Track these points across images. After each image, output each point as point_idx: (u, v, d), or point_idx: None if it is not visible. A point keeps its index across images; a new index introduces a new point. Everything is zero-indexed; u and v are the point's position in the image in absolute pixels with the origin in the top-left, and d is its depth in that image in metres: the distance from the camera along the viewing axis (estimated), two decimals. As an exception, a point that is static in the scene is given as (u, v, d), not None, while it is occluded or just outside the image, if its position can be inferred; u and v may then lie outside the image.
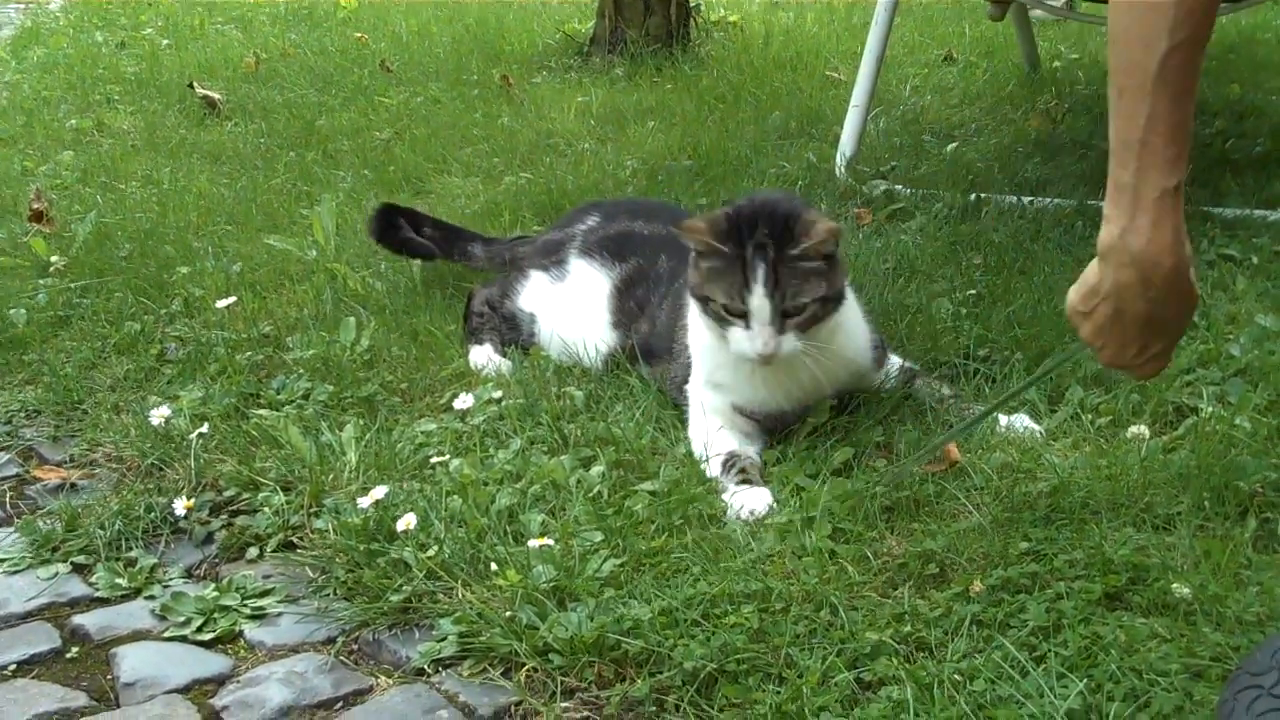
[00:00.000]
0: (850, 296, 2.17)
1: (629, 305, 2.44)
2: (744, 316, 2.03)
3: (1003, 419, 2.07)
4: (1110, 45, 1.51)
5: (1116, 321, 1.59)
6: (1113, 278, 1.56)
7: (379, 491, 1.96)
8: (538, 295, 2.60)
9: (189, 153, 4.44)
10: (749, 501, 1.92)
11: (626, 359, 2.42)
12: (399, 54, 5.93)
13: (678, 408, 2.25)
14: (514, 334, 2.61)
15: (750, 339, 2.03)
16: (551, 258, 2.63)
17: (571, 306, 2.52)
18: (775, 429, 2.16)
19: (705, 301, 2.09)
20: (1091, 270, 1.60)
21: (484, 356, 2.53)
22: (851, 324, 2.17)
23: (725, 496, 1.96)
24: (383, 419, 2.30)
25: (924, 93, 4.58)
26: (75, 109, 5.20)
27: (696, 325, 2.18)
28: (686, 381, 2.23)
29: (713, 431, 2.11)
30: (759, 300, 2.01)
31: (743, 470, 2.00)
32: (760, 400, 2.14)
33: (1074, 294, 1.63)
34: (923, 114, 4.34)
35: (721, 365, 2.15)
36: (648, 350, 2.38)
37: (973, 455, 2.00)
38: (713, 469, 2.04)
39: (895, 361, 2.25)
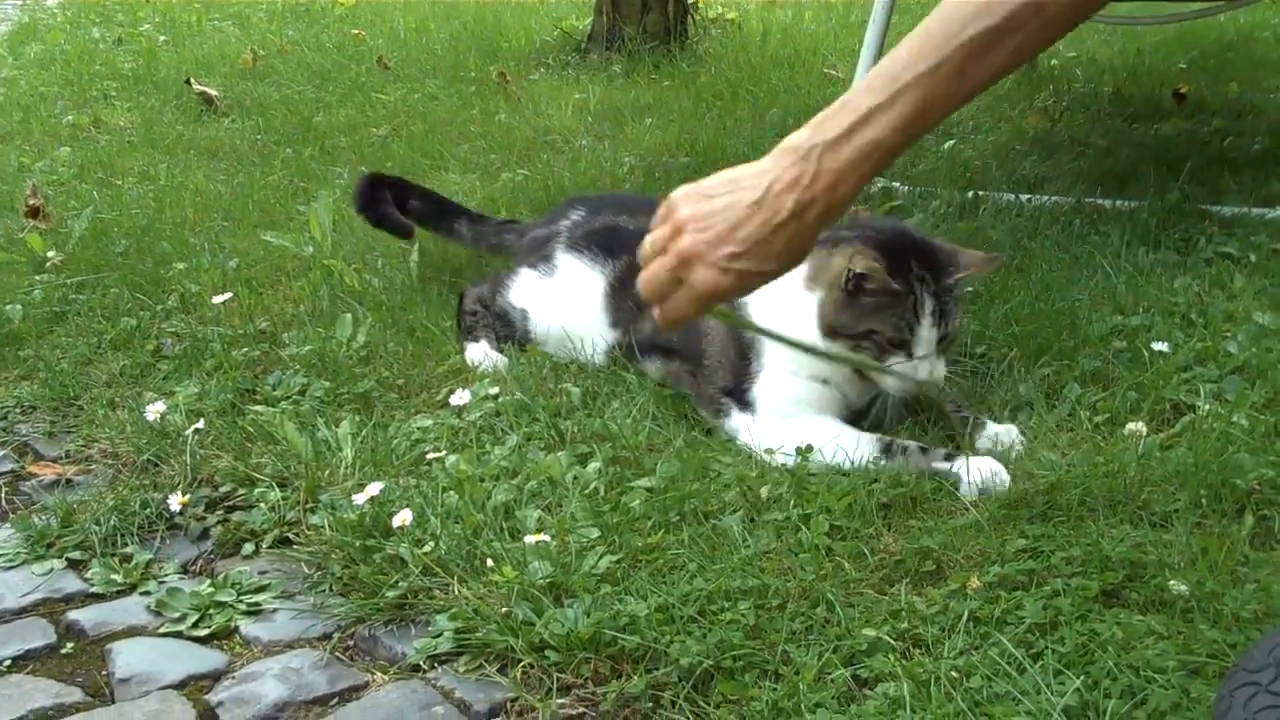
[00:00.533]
0: None
1: (626, 304, 2.44)
2: (905, 346, 2.08)
3: (991, 428, 2.06)
4: None
5: (725, 214, 1.44)
6: (777, 175, 1.43)
7: (375, 487, 1.96)
8: (528, 291, 2.60)
9: (186, 149, 4.44)
10: (984, 467, 1.93)
11: (624, 355, 2.42)
12: (396, 50, 5.93)
13: (677, 404, 2.24)
14: (507, 330, 2.61)
15: (916, 367, 2.08)
16: (539, 253, 2.63)
17: (563, 302, 2.52)
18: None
19: (864, 336, 2.09)
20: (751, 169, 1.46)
21: (480, 353, 2.53)
22: None
23: (949, 467, 1.96)
24: (379, 415, 2.30)
25: (922, 90, 4.57)
26: (72, 105, 5.20)
27: (794, 381, 2.18)
28: (728, 390, 2.22)
29: (819, 425, 2.13)
30: (927, 330, 2.08)
31: (906, 444, 2.03)
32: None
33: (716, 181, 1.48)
34: (920, 112, 4.33)
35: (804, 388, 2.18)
36: (653, 347, 2.37)
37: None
38: (869, 452, 2.03)
39: None
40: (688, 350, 2.29)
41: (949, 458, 1.97)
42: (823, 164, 1.42)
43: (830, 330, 2.11)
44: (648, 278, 1.48)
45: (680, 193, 1.48)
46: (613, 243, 2.52)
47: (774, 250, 1.44)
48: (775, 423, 2.14)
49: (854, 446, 2.03)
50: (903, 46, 1.41)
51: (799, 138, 1.43)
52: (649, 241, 1.48)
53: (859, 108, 1.41)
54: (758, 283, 1.47)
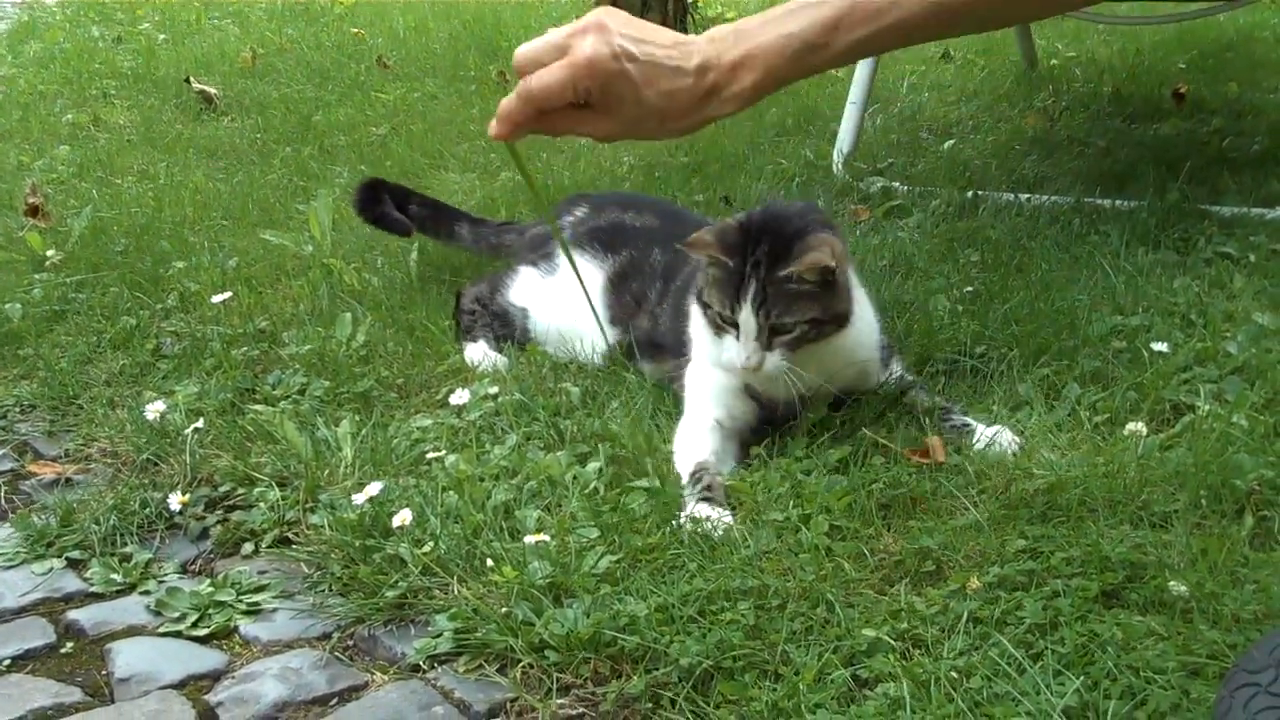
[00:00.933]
0: (861, 297, 2.17)
1: (625, 299, 2.44)
2: (736, 327, 2.05)
3: (986, 431, 2.04)
4: None
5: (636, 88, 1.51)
6: (701, 45, 1.53)
7: (375, 487, 1.96)
8: (529, 290, 2.60)
9: (185, 148, 4.44)
10: (707, 513, 1.87)
11: (624, 354, 2.41)
12: (396, 50, 5.93)
13: (679, 404, 2.24)
14: (506, 330, 2.61)
15: (736, 351, 2.06)
16: (540, 251, 2.63)
17: (565, 300, 2.51)
18: (775, 413, 2.15)
19: (705, 307, 2.11)
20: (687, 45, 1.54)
21: (479, 353, 2.53)
22: (861, 325, 2.15)
23: (685, 509, 1.91)
24: (378, 414, 2.30)
25: (921, 90, 4.58)
26: (71, 104, 5.20)
27: (698, 317, 2.19)
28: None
29: (695, 430, 2.10)
30: (746, 315, 2.03)
31: (708, 488, 1.95)
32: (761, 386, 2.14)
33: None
34: (920, 111, 4.34)
35: (711, 380, 2.17)
36: (648, 345, 2.38)
37: (968, 453, 1.99)
38: (681, 475, 2.02)
39: (897, 369, 2.23)
40: (675, 348, 2.30)
41: (704, 500, 1.91)
42: (733, 42, 1.52)
43: (695, 295, 2.15)
44: (531, 43, 1.54)
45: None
46: (616, 240, 2.52)
47: (660, 84, 1.51)
48: (685, 414, 2.16)
49: (684, 454, 2.04)
50: None
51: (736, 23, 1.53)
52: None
53: (789, 6, 1.49)
54: (624, 96, 1.51)
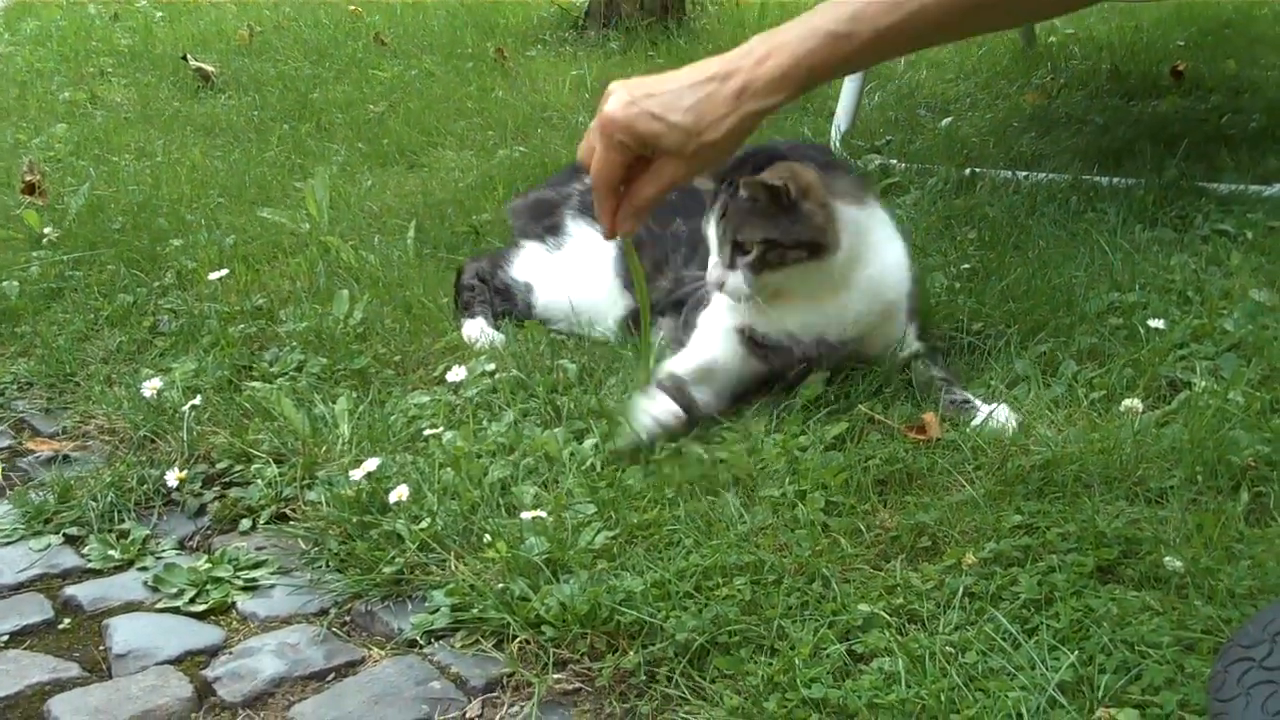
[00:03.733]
0: (887, 237, 2.19)
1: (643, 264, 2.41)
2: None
3: (983, 408, 2.04)
4: None
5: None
6: (722, 58, 1.57)
7: (372, 464, 1.96)
8: (533, 265, 2.60)
9: (182, 125, 4.44)
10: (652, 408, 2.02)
11: (633, 321, 2.41)
12: (393, 27, 5.92)
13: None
14: (508, 305, 2.61)
15: (710, 268, 2.11)
16: (545, 222, 2.61)
17: (574, 271, 2.51)
18: (784, 371, 2.16)
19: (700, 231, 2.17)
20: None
21: (477, 329, 2.53)
22: (882, 265, 2.16)
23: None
24: (376, 391, 2.30)
25: (919, 67, 4.57)
26: (68, 81, 5.19)
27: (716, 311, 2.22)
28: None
29: (688, 356, 2.16)
30: (710, 229, 2.11)
31: (678, 389, 2.07)
32: (771, 327, 2.15)
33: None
34: (918, 88, 4.33)
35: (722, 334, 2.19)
36: (670, 305, 2.37)
37: (964, 429, 2.00)
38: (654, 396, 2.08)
39: (912, 332, 2.23)
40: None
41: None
42: (760, 43, 1.54)
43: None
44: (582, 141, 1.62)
45: None
46: None
47: (682, 103, 1.55)
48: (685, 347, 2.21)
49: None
50: None
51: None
52: None
53: (818, 7, 1.52)
54: (655, 130, 1.55)
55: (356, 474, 1.95)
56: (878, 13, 1.51)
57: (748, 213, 2.06)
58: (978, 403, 2.06)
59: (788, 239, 2.07)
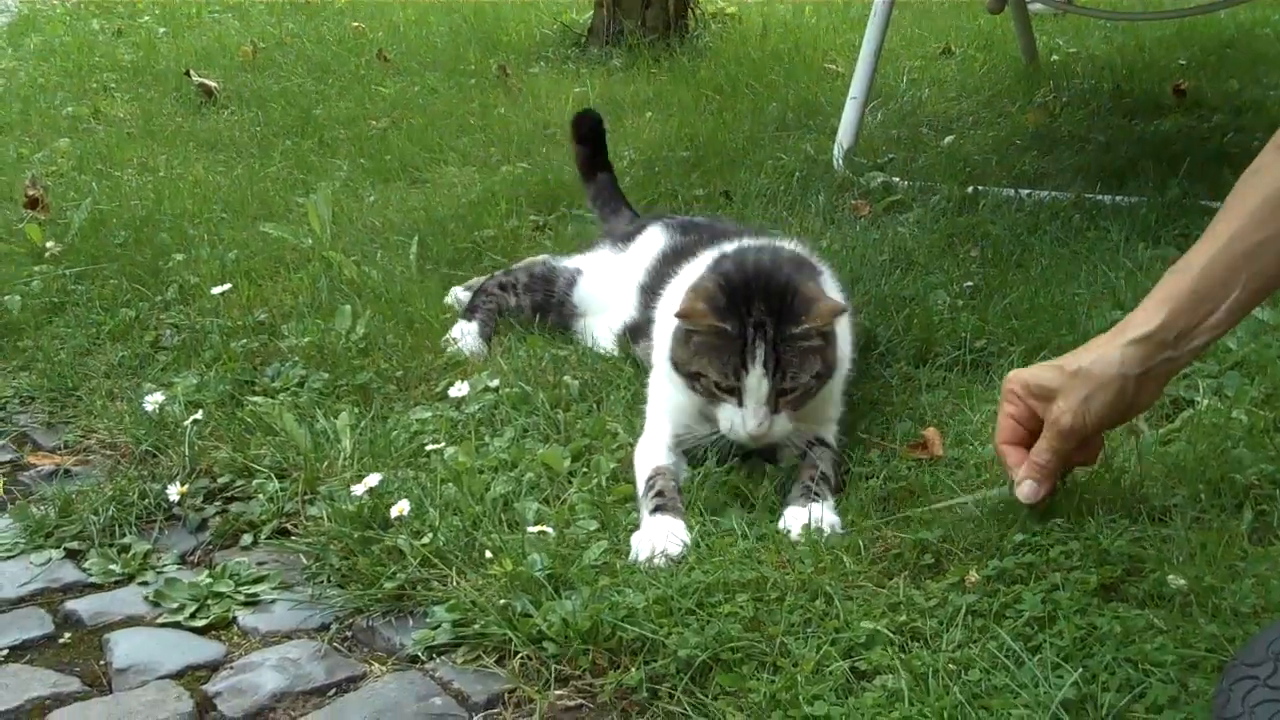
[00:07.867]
0: (845, 318, 2.08)
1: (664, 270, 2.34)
2: (736, 393, 1.95)
3: (812, 510, 1.85)
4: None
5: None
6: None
7: (373, 479, 1.96)
8: (591, 258, 2.64)
9: (185, 141, 4.44)
10: (658, 539, 1.78)
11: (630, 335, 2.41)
12: (396, 43, 5.93)
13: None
14: (544, 293, 2.63)
15: (743, 418, 1.94)
16: (618, 236, 2.65)
17: (616, 277, 2.51)
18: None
19: (696, 377, 1.98)
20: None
21: (459, 331, 2.54)
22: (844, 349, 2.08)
23: (640, 519, 1.87)
24: (378, 407, 2.30)
25: (922, 85, 4.58)
26: (71, 96, 5.19)
27: (662, 382, 2.10)
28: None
29: (652, 442, 2.03)
30: (755, 380, 1.92)
31: (660, 493, 1.89)
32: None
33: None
34: (920, 107, 4.34)
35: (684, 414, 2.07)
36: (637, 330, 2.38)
37: (968, 446, 1.99)
38: (638, 481, 1.96)
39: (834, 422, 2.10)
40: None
41: (658, 510, 1.85)
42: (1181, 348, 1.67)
43: (672, 363, 2.03)
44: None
45: None
46: (700, 238, 2.37)
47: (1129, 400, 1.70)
48: (645, 425, 2.10)
49: (641, 461, 1.98)
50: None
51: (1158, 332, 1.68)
52: None
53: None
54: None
55: (358, 489, 1.94)
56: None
57: (805, 353, 1.94)
58: (807, 507, 1.86)
59: (829, 367, 1.99)
